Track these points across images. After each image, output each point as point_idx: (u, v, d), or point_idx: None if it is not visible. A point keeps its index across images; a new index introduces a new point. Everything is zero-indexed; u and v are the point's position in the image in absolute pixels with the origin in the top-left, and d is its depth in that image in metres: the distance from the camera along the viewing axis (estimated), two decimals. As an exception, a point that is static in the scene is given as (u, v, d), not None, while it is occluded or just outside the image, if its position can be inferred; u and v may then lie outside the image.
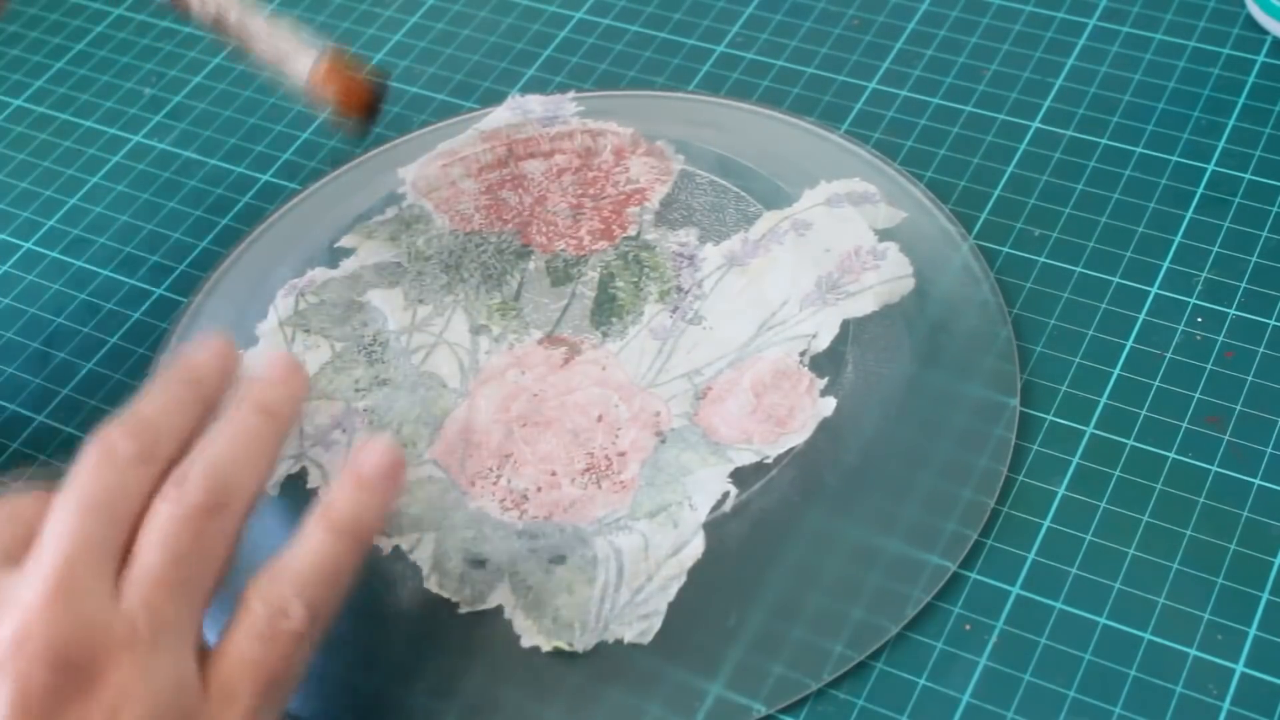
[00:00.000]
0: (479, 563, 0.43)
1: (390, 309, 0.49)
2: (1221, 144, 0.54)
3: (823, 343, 0.46)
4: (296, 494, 0.44)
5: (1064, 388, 0.47)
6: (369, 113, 0.49)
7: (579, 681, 0.41)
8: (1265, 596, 0.42)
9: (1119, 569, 0.43)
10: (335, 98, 0.48)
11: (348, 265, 0.51)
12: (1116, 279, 0.50)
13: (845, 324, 0.47)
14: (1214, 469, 0.45)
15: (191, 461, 0.38)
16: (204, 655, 0.36)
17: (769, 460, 0.44)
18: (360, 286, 0.50)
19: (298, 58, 0.48)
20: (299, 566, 0.38)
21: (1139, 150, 0.54)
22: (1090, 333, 0.49)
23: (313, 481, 0.45)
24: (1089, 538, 0.44)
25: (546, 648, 0.41)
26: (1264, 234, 0.51)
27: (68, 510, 0.37)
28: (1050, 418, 0.47)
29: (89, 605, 0.35)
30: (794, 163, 0.53)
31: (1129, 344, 0.48)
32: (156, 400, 0.40)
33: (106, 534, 0.36)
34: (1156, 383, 0.47)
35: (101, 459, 0.38)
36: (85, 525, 0.36)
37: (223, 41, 0.50)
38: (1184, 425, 0.46)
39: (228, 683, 0.36)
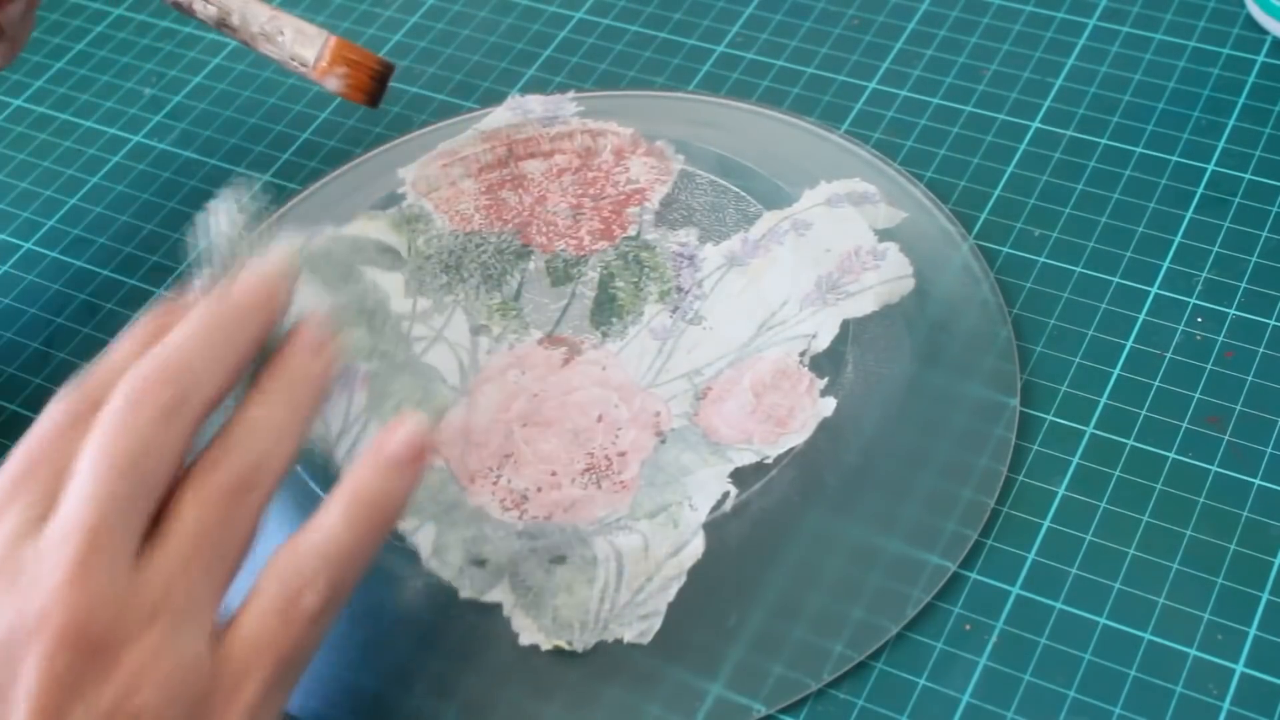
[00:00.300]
0: (479, 563, 0.43)
1: (392, 290, 0.49)
2: (1221, 144, 0.54)
3: (823, 343, 0.46)
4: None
5: (1064, 388, 0.47)
6: (376, 94, 0.49)
7: (578, 681, 0.41)
8: (1265, 596, 0.42)
9: (1119, 569, 0.43)
10: (343, 81, 0.49)
11: (354, 228, 0.51)
12: (1116, 279, 0.50)
13: (845, 324, 0.47)
14: (1214, 469, 0.45)
15: (223, 443, 0.37)
16: (219, 630, 0.36)
17: (769, 460, 0.44)
18: (363, 257, 0.50)
19: (303, 46, 0.49)
20: (318, 546, 0.37)
21: (1139, 150, 0.54)
22: (1090, 333, 0.49)
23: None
24: (1089, 538, 0.44)
25: (546, 647, 0.41)
26: (1264, 234, 0.51)
27: (94, 469, 0.35)
28: (1050, 418, 0.47)
29: (111, 581, 0.34)
30: (794, 163, 0.53)
31: (1129, 344, 0.48)
32: (194, 342, 0.38)
33: (134, 497, 0.35)
34: (1156, 383, 0.47)
35: (133, 409, 0.36)
36: (112, 490, 0.35)
37: (227, 39, 0.50)
38: (1184, 425, 0.46)
39: (242, 660, 0.35)
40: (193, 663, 0.35)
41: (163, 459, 0.36)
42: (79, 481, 0.35)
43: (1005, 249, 0.51)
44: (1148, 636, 0.42)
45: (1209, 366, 0.47)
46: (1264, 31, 0.57)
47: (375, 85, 0.49)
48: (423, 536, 0.43)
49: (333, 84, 0.48)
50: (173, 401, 0.36)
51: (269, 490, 0.37)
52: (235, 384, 0.38)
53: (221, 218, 0.43)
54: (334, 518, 0.37)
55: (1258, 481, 0.44)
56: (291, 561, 0.36)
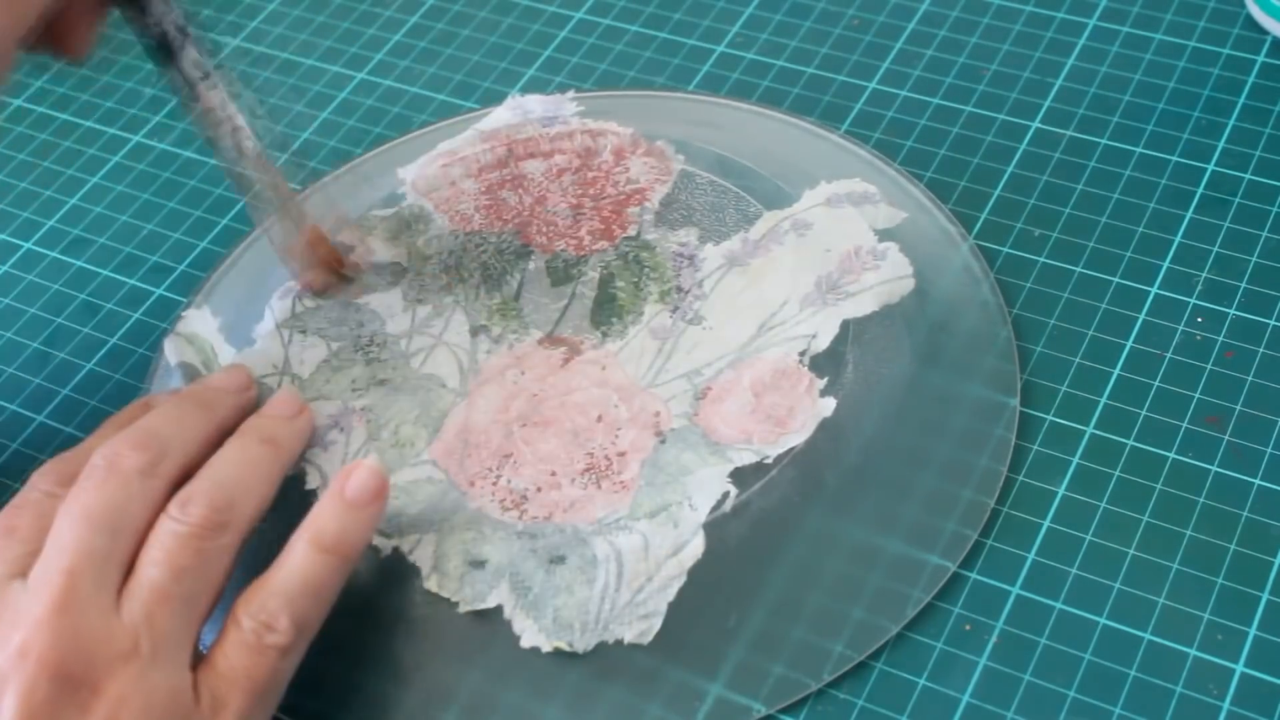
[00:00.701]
0: (479, 563, 0.43)
1: (389, 312, 0.49)
2: (1221, 144, 0.54)
3: (823, 343, 0.46)
4: (294, 495, 0.44)
5: (1064, 388, 0.47)
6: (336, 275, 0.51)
7: (579, 681, 0.41)
8: (1265, 596, 0.42)
9: (1119, 569, 0.43)
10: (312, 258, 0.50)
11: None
12: (1116, 279, 0.50)
13: (845, 324, 0.47)
14: (1214, 469, 0.45)
15: (197, 483, 0.39)
16: (195, 664, 0.37)
17: (769, 460, 0.44)
18: (358, 288, 0.50)
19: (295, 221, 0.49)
20: (285, 583, 0.39)
21: (1139, 150, 0.54)
22: (1090, 333, 0.49)
23: (311, 483, 0.45)
24: (1089, 538, 0.44)
25: (546, 648, 0.41)
26: (1264, 234, 0.51)
27: (72, 522, 0.37)
28: (1050, 418, 0.47)
29: (90, 618, 0.36)
30: (794, 163, 0.53)
31: (1129, 344, 0.48)
32: (166, 415, 0.42)
33: (109, 546, 0.37)
34: (1156, 383, 0.47)
35: (108, 470, 0.39)
36: (89, 538, 0.37)
37: (225, 41, 0.50)
38: (1184, 425, 0.46)
39: (217, 692, 0.37)
40: (171, 696, 0.36)
41: (136, 515, 0.38)
42: (57, 534, 0.37)
43: (1005, 249, 0.51)
44: (1148, 636, 0.42)
45: (1209, 366, 0.47)
46: (1264, 31, 0.57)
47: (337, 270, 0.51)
48: (422, 552, 0.43)
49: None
50: (145, 465, 0.39)
51: (241, 531, 0.39)
52: (209, 453, 0.41)
53: (179, 350, 0.49)
54: (297, 557, 0.39)
55: (1258, 481, 0.44)
56: (260, 598, 0.38)
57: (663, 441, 0.45)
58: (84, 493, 0.38)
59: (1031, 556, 0.44)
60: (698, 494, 0.43)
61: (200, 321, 0.51)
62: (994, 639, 0.42)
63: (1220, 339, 0.48)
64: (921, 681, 0.41)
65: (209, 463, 0.40)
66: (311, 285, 0.50)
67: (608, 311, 0.49)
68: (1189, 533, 0.44)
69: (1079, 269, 0.50)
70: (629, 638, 0.41)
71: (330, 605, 0.40)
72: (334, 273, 0.50)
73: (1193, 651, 0.41)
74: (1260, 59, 0.56)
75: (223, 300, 0.52)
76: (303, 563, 0.39)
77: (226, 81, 0.46)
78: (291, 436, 0.43)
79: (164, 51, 0.46)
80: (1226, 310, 0.49)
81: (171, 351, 0.50)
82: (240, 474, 0.40)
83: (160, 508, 0.39)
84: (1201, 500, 0.44)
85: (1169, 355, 0.48)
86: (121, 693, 0.35)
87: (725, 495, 0.43)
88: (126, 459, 0.39)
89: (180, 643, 0.37)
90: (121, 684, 0.35)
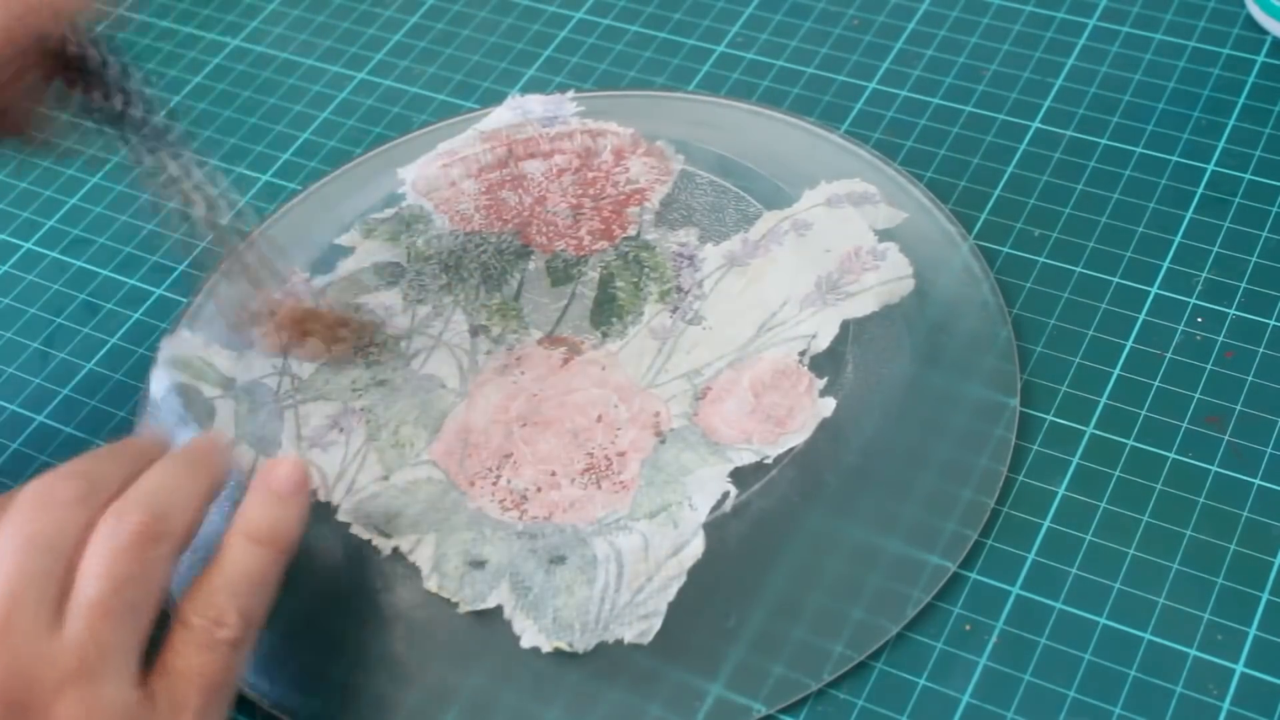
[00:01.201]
0: (479, 564, 0.43)
1: (388, 312, 0.49)
2: (1221, 144, 0.54)
3: (822, 343, 0.46)
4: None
5: (1064, 388, 0.47)
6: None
7: (579, 681, 0.41)
8: (1265, 596, 0.42)
9: (1119, 569, 0.43)
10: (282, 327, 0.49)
11: (345, 267, 0.51)
12: (1116, 279, 0.50)
13: (845, 324, 0.47)
14: (1214, 469, 0.45)
15: (129, 495, 0.39)
16: (145, 672, 0.37)
17: (769, 460, 0.44)
18: (358, 289, 0.50)
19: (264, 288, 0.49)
20: (227, 578, 0.39)
21: (1139, 150, 0.54)
22: (1090, 333, 0.49)
23: (310, 483, 0.45)
24: (1089, 538, 0.44)
25: (547, 648, 0.41)
26: (1264, 234, 0.51)
27: (8, 547, 0.37)
28: (1050, 418, 0.47)
29: (31, 642, 0.35)
30: (794, 163, 0.53)
31: (1129, 344, 0.48)
32: (94, 458, 0.41)
33: (46, 568, 0.37)
34: (1156, 383, 0.47)
35: (41, 500, 0.38)
36: (24, 561, 0.37)
37: (227, 40, 0.49)
38: (1184, 425, 0.46)
39: (175, 694, 0.37)
40: (122, 709, 0.36)
41: (72, 535, 0.38)
42: None
43: (1005, 249, 0.51)
44: (1148, 636, 0.42)
45: (1209, 366, 0.47)
46: (1264, 31, 0.57)
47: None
48: (422, 553, 0.43)
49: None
50: (79, 493, 0.38)
51: (177, 541, 0.39)
52: (134, 479, 0.40)
53: (171, 375, 0.49)
54: (235, 552, 0.39)
55: (1258, 481, 0.44)
56: (203, 596, 0.38)
57: (663, 441, 0.45)
58: (18, 517, 0.38)
59: (1031, 556, 0.44)
60: (698, 494, 0.43)
61: (183, 344, 0.50)
62: (994, 639, 0.42)
63: (1220, 339, 0.48)
64: (921, 681, 0.41)
65: (138, 480, 0.40)
66: (273, 348, 0.49)
67: (608, 311, 0.49)
68: (1189, 533, 0.44)
69: (1079, 269, 0.50)
70: (629, 638, 0.41)
71: (272, 596, 0.40)
72: (331, 340, 0.49)
73: (1193, 651, 0.41)
74: (1260, 59, 0.56)
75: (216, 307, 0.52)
76: (241, 557, 0.39)
77: (185, 151, 0.46)
78: (213, 463, 0.42)
79: (117, 123, 0.45)
80: (1226, 310, 0.49)
81: (164, 372, 0.49)
82: (172, 483, 0.40)
83: (91, 529, 0.38)
84: (1201, 500, 0.44)
85: (1169, 355, 0.48)
86: (71, 713, 0.35)
87: (725, 495, 0.43)
88: (59, 489, 0.38)
89: (124, 655, 0.36)
90: (70, 705, 0.35)
